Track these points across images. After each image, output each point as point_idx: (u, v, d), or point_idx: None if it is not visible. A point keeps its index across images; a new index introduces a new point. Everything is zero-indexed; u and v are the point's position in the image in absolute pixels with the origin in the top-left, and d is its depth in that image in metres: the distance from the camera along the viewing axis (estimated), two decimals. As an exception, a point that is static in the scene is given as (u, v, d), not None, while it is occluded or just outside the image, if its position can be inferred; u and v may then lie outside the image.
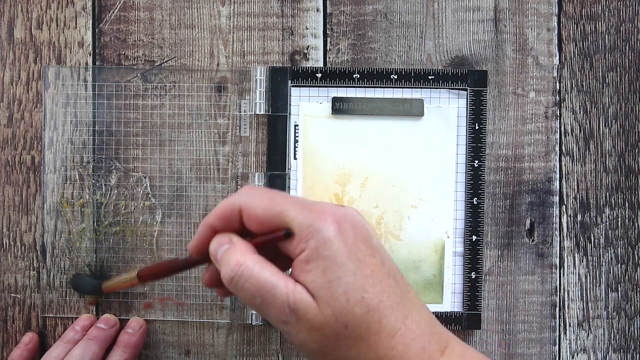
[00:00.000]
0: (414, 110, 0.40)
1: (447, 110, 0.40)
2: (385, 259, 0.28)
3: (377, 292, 0.27)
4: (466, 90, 0.40)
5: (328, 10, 0.41)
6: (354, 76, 0.40)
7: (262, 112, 0.40)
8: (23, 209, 0.41)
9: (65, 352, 0.38)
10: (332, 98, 0.40)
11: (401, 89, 0.40)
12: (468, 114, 0.40)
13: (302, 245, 0.28)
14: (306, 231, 0.28)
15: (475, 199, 0.40)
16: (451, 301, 0.40)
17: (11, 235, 0.41)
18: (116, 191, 0.41)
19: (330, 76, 0.40)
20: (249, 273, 0.28)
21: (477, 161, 0.40)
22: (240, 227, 0.30)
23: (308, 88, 0.40)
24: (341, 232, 0.28)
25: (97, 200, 0.41)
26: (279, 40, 0.41)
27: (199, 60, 0.41)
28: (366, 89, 0.40)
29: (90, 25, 0.41)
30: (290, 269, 0.29)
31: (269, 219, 0.29)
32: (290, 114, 0.40)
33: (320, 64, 0.41)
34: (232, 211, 0.29)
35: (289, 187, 0.40)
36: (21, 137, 0.41)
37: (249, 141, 0.41)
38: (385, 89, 0.40)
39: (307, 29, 0.41)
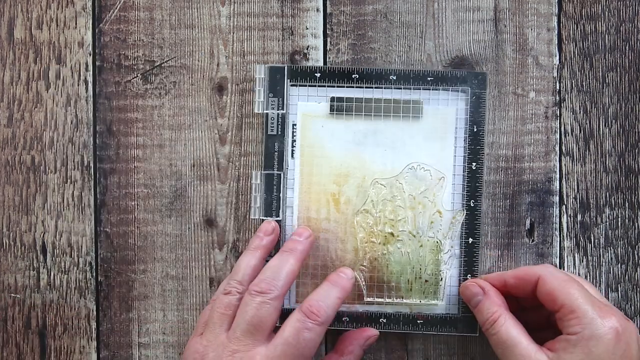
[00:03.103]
0: (412, 111, 0.40)
1: (445, 112, 0.40)
2: None
3: None
4: (466, 92, 0.39)
5: (328, 10, 0.41)
6: (353, 76, 0.40)
7: (260, 111, 0.40)
8: (23, 209, 0.41)
9: (256, 259, 0.37)
10: (331, 98, 0.40)
11: (400, 90, 0.40)
12: (467, 117, 0.40)
13: (578, 328, 0.33)
14: (588, 319, 0.33)
15: (473, 201, 0.39)
16: (447, 303, 0.40)
17: (11, 235, 0.41)
18: (118, 191, 0.41)
19: (329, 76, 0.40)
20: (499, 327, 0.35)
21: (474, 163, 0.40)
22: (530, 295, 0.36)
23: (307, 87, 0.40)
24: (617, 340, 0.32)
25: (97, 200, 0.41)
26: (279, 40, 0.41)
27: (199, 60, 0.41)
28: (365, 89, 0.40)
29: (90, 25, 0.41)
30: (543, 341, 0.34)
31: (560, 295, 0.34)
32: (288, 113, 0.40)
33: (321, 64, 0.41)
34: (531, 277, 0.35)
35: (285, 187, 0.40)
36: (21, 137, 0.41)
37: (249, 141, 0.41)
38: (384, 89, 0.40)
39: (307, 29, 0.41)
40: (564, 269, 0.40)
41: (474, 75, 0.39)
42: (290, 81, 0.40)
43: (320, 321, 0.34)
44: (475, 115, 0.40)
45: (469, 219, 0.39)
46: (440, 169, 0.40)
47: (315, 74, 0.40)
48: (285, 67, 0.40)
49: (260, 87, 0.39)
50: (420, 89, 0.40)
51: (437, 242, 0.39)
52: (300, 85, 0.40)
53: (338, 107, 0.40)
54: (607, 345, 0.32)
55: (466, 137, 0.40)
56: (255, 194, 0.40)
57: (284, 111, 0.40)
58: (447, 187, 0.40)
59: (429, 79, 0.39)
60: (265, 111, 0.40)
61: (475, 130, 0.40)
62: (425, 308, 0.40)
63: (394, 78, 0.40)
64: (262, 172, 0.40)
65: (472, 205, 0.39)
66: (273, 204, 0.39)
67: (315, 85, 0.40)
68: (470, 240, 0.40)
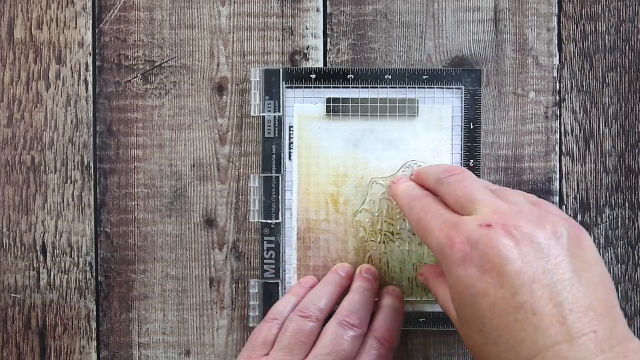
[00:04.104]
0: (408, 110, 0.40)
1: (441, 110, 0.40)
2: (522, 287, 0.27)
3: (494, 327, 0.27)
4: (461, 89, 0.40)
5: (328, 10, 0.41)
6: (349, 76, 0.40)
7: (256, 114, 0.40)
8: (23, 209, 0.41)
9: (337, 290, 0.37)
10: (327, 99, 0.40)
11: (395, 89, 0.40)
12: (463, 114, 0.40)
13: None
14: (437, 252, 0.30)
15: (474, 198, 0.40)
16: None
17: (11, 235, 0.41)
18: (118, 191, 0.41)
19: (325, 77, 0.40)
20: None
21: (472, 160, 0.40)
22: None
23: (302, 89, 0.40)
24: (465, 262, 0.28)
25: (97, 200, 0.41)
26: (279, 40, 0.41)
27: (199, 60, 0.41)
28: (360, 89, 0.40)
29: (90, 25, 0.41)
30: None
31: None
32: (284, 115, 0.40)
33: (321, 64, 0.41)
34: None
35: (283, 189, 0.40)
36: (21, 137, 0.41)
37: (249, 141, 0.41)
38: (379, 89, 0.40)
39: (307, 29, 0.41)
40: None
41: (468, 72, 0.40)
42: (285, 83, 0.40)
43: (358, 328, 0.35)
44: (470, 112, 0.40)
45: (468, 219, 0.39)
46: (439, 169, 0.40)
47: (311, 75, 0.40)
48: (280, 69, 0.40)
49: (255, 89, 0.39)
50: (415, 88, 0.40)
51: None
52: (295, 87, 0.40)
53: (334, 108, 0.40)
54: (459, 274, 0.28)
55: (463, 134, 0.40)
56: (254, 197, 0.40)
57: (280, 113, 0.40)
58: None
59: (424, 77, 0.40)
60: (261, 114, 0.40)
61: (471, 127, 0.40)
62: (426, 306, 0.40)
63: (389, 77, 0.40)
64: (260, 175, 0.40)
65: (472, 205, 0.39)
66: (272, 207, 0.39)
67: (310, 87, 0.40)
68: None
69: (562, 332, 0.25)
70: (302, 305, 0.36)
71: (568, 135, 0.41)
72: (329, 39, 0.41)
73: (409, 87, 0.40)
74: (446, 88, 0.40)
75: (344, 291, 0.37)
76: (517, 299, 0.26)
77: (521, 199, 0.30)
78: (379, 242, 0.40)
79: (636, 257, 0.40)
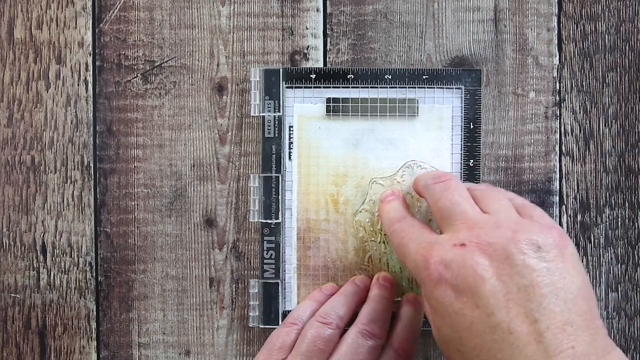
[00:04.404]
0: (408, 110, 0.40)
1: (441, 109, 0.40)
2: (496, 306, 0.26)
3: (472, 347, 0.26)
4: (461, 89, 0.40)
5: (328, 10, 0.41)
6: (349, 76, 0.40)
7: (256, 114, 0.40)
8: (23, 209, 0.41)
9: (354, 299, 0.37)
10: (327, 99, 0.40)
11: (395, 89, 0.40)
12: (463, 114, 0.40)
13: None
14: (412, 267, 0.31)
15: (474, 198, 0.40)
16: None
17: (11, 235, 0.41)
18: (118, 191, 0.41)
19: (325, 77, 0.40)
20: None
21: (472, 160, 0.40)
22: None
23: (302, 89, 0.40)
24: (441, 282, 0.28)
25: (97, 200, 0.41)
26: (279, 41, 0.41)
27: (199, 60, 0.41)
28: (360, 89, 0.40)
29: (90, 25, 0.41)
30: None
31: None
32: (284, 115, 0.40)
33: (321, 64, 0.41)
34: None
35: (283, 189, 0.40)
36: (21, 137, 0.41)
37: (249, 141, 0.41)
38: (380, 89, 0.40)
39: (307, 29, 0.41)
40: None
41: (468, 72, 0.40)
42: (285, 83, 0.40)
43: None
44: (470, 112, 0.40)
45: (468, 219, 0.39)
46: (437, 167, 0.40)
47: (311, 75, 0.40)
48: (280, 70, 0.40)
49: (255, 90, 0.39)
50: (415, 88, 0.40)
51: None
52: (295, 87, 0.40)
53: (334, 108, 0.40)
54: (437, 300, 0.28)
55: (462, 134, 0.40)
56: (254, 197, 0.40)
57: (280, 113, 0.40)
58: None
59: (424, 77, 0.40)
60: (261, 114, 0.40)
61: (471, 127, 0.40)
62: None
63: (389, 77, 0.40)
64: (260, 175, 0.40)
65: (472, 205, 0.39)
66: (272, 207, 0.39)
67: (310, 87, 0.40)
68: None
69: (539, 350, 0.25)
70: (323, 311, 0.36)
71: (568, 135, 0.41)
72: (329, 39, 0.41)
73: (409, 87, 0.40)
74: (446, 88, 0.40)
75: (362, 302, 0.37)
76: (493, 319, 0.26)
77: (504, 206, 0.30)
78: (379, 242, 0.40)
79: (636, 257, 0.40)
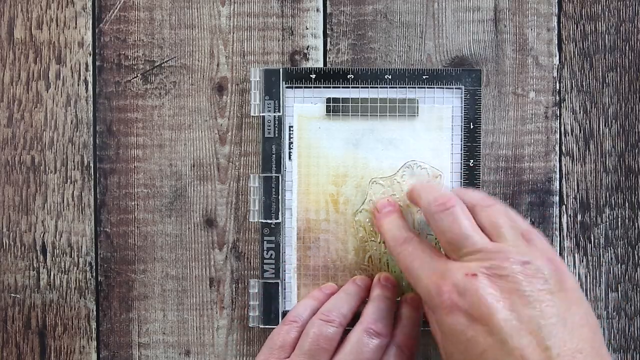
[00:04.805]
0: (408, 110, 0.40)
1: (441, 110, 0.40)
2: (510, 333, 0.27)
3: None
4: (461, 89, 0.40)
5: (328, 10, 0.41)
6: (349, 76, 0.40)
7: (256, 114, 0.40)
8: (23, 209, 0.41)
9: (356, 298, 0.37)
10: (327, 99, 0.40)
11: (395, 89, 0.40)
12: (463, 114, 0.40)
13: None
14: (425, 298, 0.31)
15: (473, 198, 0.39)
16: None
17: (11, 235, 0.41)
18: (118, 191, 0.41)
19: (325, 77, 0.40)
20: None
21: (472, 160, 0.40)
22: None
23: (302, 89, 0.40)
24: (454, 310, 0.29)
25: (97, 200, 0.41)
26: (279, 40, 0.41)
27: (199, 60, 0.41)
28: (360, 89, 0.40)
29: (90, 25, 0.41)
30: None
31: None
32: (284, 115, 0.40)
33: (321, 64, 0.41)
34: None
35: (283, 189, 0.40)
36: (21, 137, 0.41)
37: (249, 141, 0.41)
38: (380, 89, 0.40)
39: (307, 29, 0.41)
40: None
41: (468, 72, 0.40)
42: (285, 83, 0.40)
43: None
44: (470, 112, 0.40)
45: (468, 219, 0.39)
46: (437, 167, 0.40)
47: (311, 75, 0.40)
48: (280, 70, 0.40)
49: (255, 89, 0.39)
50: (415, 88, 0.40)
51: (436, 239, 0.39)
52: (295, 87, 0.40)
53: (334, 108, 0.40)
54: (450, 326, 0.29)
55: (463, 134, 0.40)
56: (254, 197, 0.40)
57: (280, 113, 0.40)
58: (444, 185, 0.40)
59: (424, 77, 0.40)
60: (261, 114, 0.40)
61: (471, 127, 0.40)
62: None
63: (389, 77, 0.40)
64: (260, 175, 0.40)
65: (471, 205, 0.39)
66: (272, 207, 0.39)
67: (310, 87, 0.40)
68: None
69: None
70: (325, 309, 0.36)
71: (568, 135, 0.41)
72: (329, 39, 0.41)
73: (409, 87, 0.40)
74: (446, 88, 0.40)
75: (362, 303, 0.37)
76: (506, 347, 0.27)
77: (511, 235, 0.31)
78: (379, 242, 0.40)
79: (636, 257, 0.40)
